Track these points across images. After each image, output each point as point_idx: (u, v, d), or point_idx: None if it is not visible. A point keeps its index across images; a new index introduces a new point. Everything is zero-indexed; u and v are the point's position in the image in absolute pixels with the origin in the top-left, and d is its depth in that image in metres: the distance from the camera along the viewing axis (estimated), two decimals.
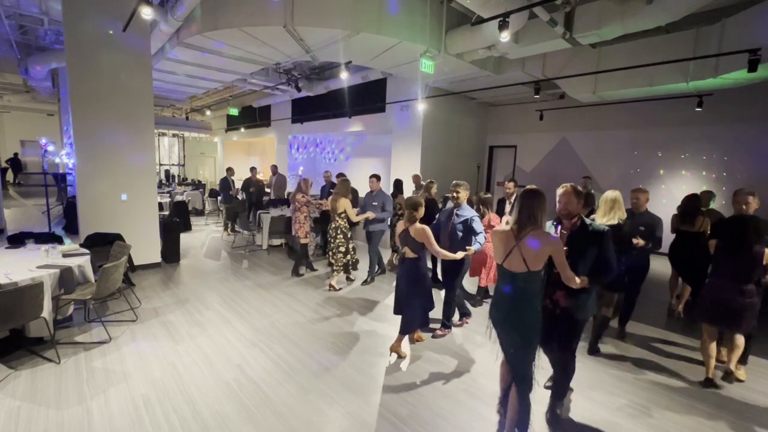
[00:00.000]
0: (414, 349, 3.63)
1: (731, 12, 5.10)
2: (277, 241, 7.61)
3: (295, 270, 5.81)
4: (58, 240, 4.49)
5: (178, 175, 15.94)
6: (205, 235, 8.70)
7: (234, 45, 6.42)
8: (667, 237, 4.12)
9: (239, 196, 9.79)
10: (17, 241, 4.28)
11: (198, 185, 13.68)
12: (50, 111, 16.54)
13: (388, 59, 6.65)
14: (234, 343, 3.62)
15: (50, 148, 10.86)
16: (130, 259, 4.45)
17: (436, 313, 3.91)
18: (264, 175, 12.61)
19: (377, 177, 5.49)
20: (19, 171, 16.91)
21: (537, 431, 2.56)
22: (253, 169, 9.86)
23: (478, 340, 3.85)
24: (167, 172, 15.40)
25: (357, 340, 3.78)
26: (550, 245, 2.12)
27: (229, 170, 9.56)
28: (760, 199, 3.75)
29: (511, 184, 5.59)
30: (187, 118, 16.42)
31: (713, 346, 3.16)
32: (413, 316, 3.44)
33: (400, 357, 3.46)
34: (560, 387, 2.65)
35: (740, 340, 3.13)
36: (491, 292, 4.88)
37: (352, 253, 5.22)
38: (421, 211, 3.34)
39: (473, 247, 3.51)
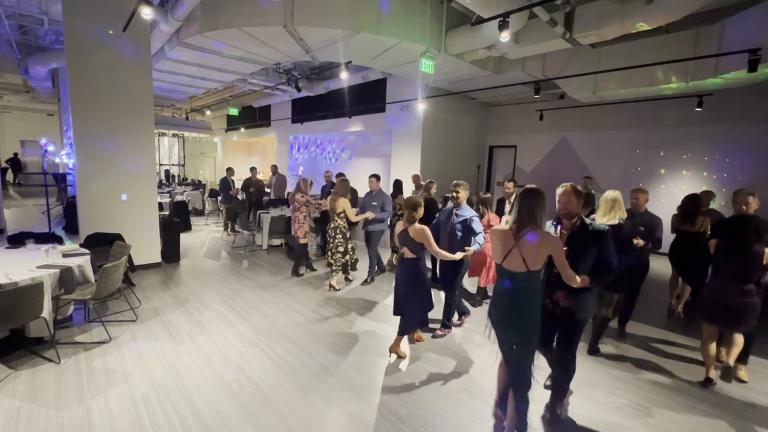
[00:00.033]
0: (414, 349, 3.64)
1: (731, 12, 5.10)
2: (277, 241, 7.62)
3: (295, 270, 5.81)
4: (58, 240, 4.50)
5: (178, 175, 15.95)
6: (205, 235, 8.70)
7: (234, 45, 6.42)
8: (667, 237, 4.11)
9: (239, 196, 9.79)
10: (17, 241, 4.29)
11: (198, 185, 13.68)
12: (50, 111, 16.55)
13: (388, 59, 6.65)
14: (234, 343, 3.62)
15: (50, 148, 10.85)
16: (130, 259, 4.46)
17: (436, 313, 3.91)
18: (264, 175, 12.61)
19: (377, 177, 5.49)
20: (19, 171, 16.91)
21: (537, 431, 2.56)
22: (253, 169, 9.86)
23: (477, 341, 3.85)
24: (167, 172, 15.40)
25: (357, 340, 3.78)
26: (549, 244, 2.11)
27: (229, 170, 9.56)
28: (760, 199, 3.76)
29: (510, 184, 5.59)
30: (187, 118, 16.41)
31: (713, 346, 3.16)
32: (412, 316, 3.44)
33: (400, 357, 3.46)
34: (560, 387, 2.65)
35: (740, 338, 3.15)
36: (490, 293, 4.87)
37: (351, 253, 5.22)
38: (421, 212, 3.34)
39: (472, 248, 3.51)
